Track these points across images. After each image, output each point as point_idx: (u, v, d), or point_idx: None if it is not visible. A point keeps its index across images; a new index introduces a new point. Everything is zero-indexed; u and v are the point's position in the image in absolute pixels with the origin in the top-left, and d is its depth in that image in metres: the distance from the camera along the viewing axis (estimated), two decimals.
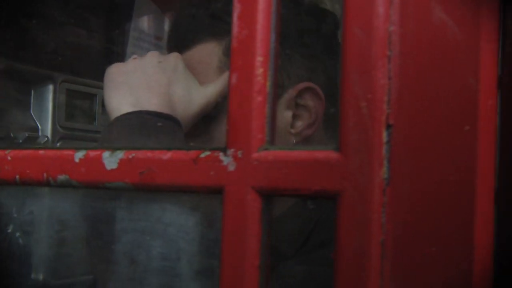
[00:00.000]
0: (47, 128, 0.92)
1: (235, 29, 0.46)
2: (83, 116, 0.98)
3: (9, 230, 0.64)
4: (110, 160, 0.50)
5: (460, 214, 0.38)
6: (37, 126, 0.92)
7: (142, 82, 0.74)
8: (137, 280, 0.50)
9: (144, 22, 1.33)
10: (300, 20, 0.81)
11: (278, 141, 0.80)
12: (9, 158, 0.57)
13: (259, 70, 0.45)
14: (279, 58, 0.46)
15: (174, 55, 0.81)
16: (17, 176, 0.56)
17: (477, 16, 0.38)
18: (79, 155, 0.52)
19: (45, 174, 0.54)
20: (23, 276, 0.68)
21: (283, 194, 0.43)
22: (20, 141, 0.85)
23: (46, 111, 0.91)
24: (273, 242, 0.45)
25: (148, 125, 0.67)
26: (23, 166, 0.56)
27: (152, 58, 0.79)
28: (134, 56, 0.80)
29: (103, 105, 1.03)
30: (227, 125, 0.46)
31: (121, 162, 0.50)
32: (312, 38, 0.81)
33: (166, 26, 1.42)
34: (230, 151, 0.45)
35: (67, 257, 0.60)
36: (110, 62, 1.17)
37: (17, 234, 0.64)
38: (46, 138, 0.91)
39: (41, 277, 0.71)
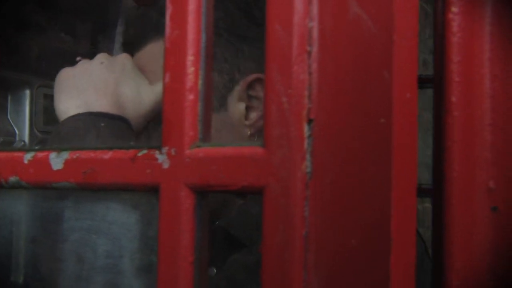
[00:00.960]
0: (24, 133, 0.94)
1: (167, 29, 0.47)
2: None
3: None
4: (56, 160, 0.52)
5: (378, 207, 0.39)
6: (15, 130, 0.94)
7: (90, 84, 0.75)
8: (83, 278, 0.51)
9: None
10: (246, 12, 0.82)
11: (233, 134, 0.80)
12: None
13: (190, 69, 0.45)
14: (212, 57, 0.47)
15: (123, 56, 0.82)
16: None
17: (390, 12, 0.39)
18: (27, 156, 0.53)
19: None
20: None
21: (214, 189, 0.44)
22: None
23: (23, 116, 0.93)
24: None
25: (95, 126, 0.68)
26: None
27: (100, 59, 0.80)
28: (79, 58, 0.81)
29: None
30: (163, 124, 0.46)
31: (66, 162, 0.51)
32: (259, 29, 0.82)
33: None
34: (165, 149, 0.46)
35: (18, 255, 0.61)
36: None
37: None
38: (22, 143, 0.92)
39: None
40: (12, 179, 0.54)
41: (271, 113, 0.41)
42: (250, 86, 0.79)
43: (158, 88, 0.79)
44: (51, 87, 0.96)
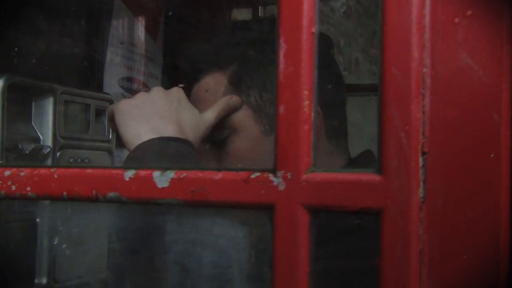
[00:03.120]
0: (48, 138, 0.95)
1: (281, 65, 0.52)
2: (79, 125, 1.01)
3: (55, 242, 0.68)
4: (161, 179, 0.56)
5: (484, 227, 0.46)
6: (39, 136, 0.95)
7: (154, 112, 0.83)
8: (189, 286, 0.56)
9: (120, 30, 1.37)
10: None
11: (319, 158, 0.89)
12: (55, 176, 0.61)
13: (305, 102, 0.51)
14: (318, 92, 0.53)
15: (176, 89, 0.92)
16: (65, 193, 0.60)
17: (499, 61, 0.46)
18: (129, 174, 0.58)
19: (94, 191, 0.59)
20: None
21: (330, 210, 0.50)
22: (27, 152, 0.89)
23: (46, 122, 0.94)
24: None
25: (169, 149, 0.75)
26: (70, 184, 0.60)
27: (158, 91, 0.89)
28: (141, 92, 0.89)
29: (97, 114, 1.07)
30: (276, 149, 0.52)
31: (173, 181, 0.56)
32: None
33: (139, 32, 1.46)
34: (280, 173, 0.51)
35: (115, 266, 0.64)
36: (93, 69, 1.21)
37: (63, 246, 0.68)
38: (49, 149, 0.94)
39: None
40: (111, 194, 0.58)
41: (389, 145, 0.48)
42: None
43: (208, 115, 0.89)
44: (72, 94, 0.99)
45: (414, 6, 0.48)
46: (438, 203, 0.47)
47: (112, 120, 0.87)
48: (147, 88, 1.41)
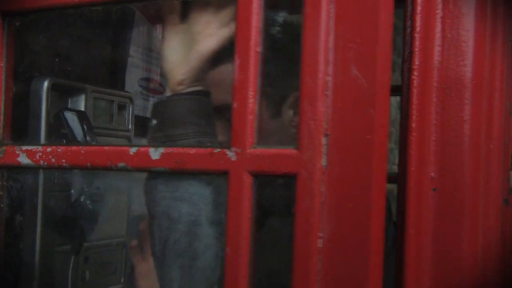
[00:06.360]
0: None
1: (236, 75, 0.75)
2: (105, 117, 1.26)
3: (81, 199, 0.93)
4: (155, 153, 0.80)
5: (364, 181, 0.69)
6: None
7: None
8: (172, 230, 0.79)
9: (140, 37, 1.62)
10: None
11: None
12: (82, 151, 0.85)
13: (251, 100, 0.74)
14: (264, 92, 0.76)
15: None
16: (89, 164, 0.85)
17: (375, 76, 0.69)
18: (133, 150, 0.81)
19: (109, 162, 0.83)
20: (89, 230, 0.98)
21: (265, 174, 0.73)
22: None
23: None
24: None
25: None
26: (93, 157, 0.84)
27: None
28: None
29: (119, 108, 1.32)
30: (231, 132, 0.75)
31: (163, 155, 0.79)
32: None
33: (156, 38, 1.71)
34: (233, 149, 0.75)
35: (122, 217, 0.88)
36: (117, 71, 1.46)
37: (88, 201, 0.93)
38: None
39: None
40: (121, 164, 0.82)
41: (303, 129, 0.71)
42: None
43: None
44: (99, 92, 1.24)
45: (322, 35, 0.71)
46: (335, 169, 0.70)
47: None
48: (162, 87, 1.66)
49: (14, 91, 0.97)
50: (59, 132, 1.12)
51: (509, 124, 1.12)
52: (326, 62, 0.71)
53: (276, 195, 0.82)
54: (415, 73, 1.05)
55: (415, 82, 1.04)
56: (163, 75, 0.99)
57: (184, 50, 0.89)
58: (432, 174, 1.02)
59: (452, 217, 0.98)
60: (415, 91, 1.04)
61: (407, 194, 1.01)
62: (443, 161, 1.00)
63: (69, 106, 1.17)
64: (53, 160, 0.88)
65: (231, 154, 0.75)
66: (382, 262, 0.70)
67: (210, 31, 0.88)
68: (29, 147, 0.90)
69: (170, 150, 0.79)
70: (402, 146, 1.05)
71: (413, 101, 1.04)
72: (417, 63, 1.05)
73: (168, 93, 0.93)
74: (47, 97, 1.13)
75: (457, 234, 0.98)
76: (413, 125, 1.03)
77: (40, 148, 0.89)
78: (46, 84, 1.13)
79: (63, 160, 0.88)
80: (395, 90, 1.15)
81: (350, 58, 0.70)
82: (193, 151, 0.78)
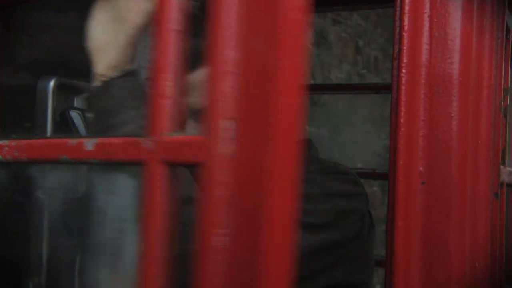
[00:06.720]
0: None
1: (153, 56, 0.72)
2: None
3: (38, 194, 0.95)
4: (89, 144, 0.78)
5: (267, 162, 0.62)
6: None
7: None
8: (100, 222, 0.77)
9: (145, 39, 1.63)
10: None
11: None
12: (38, 144, 0.86)
13: (168, 83, 0.70)
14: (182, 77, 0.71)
15: None
16: (40, 157, 0.85)
17: (276, 45, 0.62)
18: (72, 142, 0.80)
19: (53, 155, 0.83)
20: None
21: (175, 163, 0.69)
22: None
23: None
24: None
25: None
26: (43, 150, 0.85)
27: None
28: None
29: None
30: (148, 119, 0.72)
31: (96, 145, 0.77)
32: None
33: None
34: (149, 137, 0.71)
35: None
36: None
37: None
38: None
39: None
40: (62, 157, 0.81)
41: (210, 115, 0.66)
42: None
43: None
44: None
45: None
46: (238, 156, 0.64)
47: None
48: None
49: None
50: (64, 131, 1.15)
51: (499, 120, 1.09)
52: (234, 42, 0.65)
53: (193, 188, 0.77)
54: (404, 70, 1.04)
55: (404, 79, 1.03)
56: (89, 57, 0.95)
57: (112, 28, 0.87)
58: (421, 168, 0.94)
59: (440, 210, 0.94)
60: (403, 88, 1.02)
61: (396, 188, 0.94)
62: (431, 155, 0.95)
63: (74, 104, 1.19)
64: (16, 154, 0.90)
65: (147, 142, 0.71)
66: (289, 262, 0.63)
67: (137, 6, 0.85)
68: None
69: (102, 140, 0.77)
70: (392, 141, 0.98)
71: (402, 97, 1.02)
72: (405, 61, 1.05)
73: (97, 77, 0.91)
74: (53, 95, 1.16)
75: (445, 227, 0.96)
76: (402, 120, 0.99)
77: (6, 142, 0.91)
78: (52, 84, 1.16)
79: (24, 154, 0.89)
80: (387, 88, 1.12)
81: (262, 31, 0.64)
82: (120, 140, 0.75)
